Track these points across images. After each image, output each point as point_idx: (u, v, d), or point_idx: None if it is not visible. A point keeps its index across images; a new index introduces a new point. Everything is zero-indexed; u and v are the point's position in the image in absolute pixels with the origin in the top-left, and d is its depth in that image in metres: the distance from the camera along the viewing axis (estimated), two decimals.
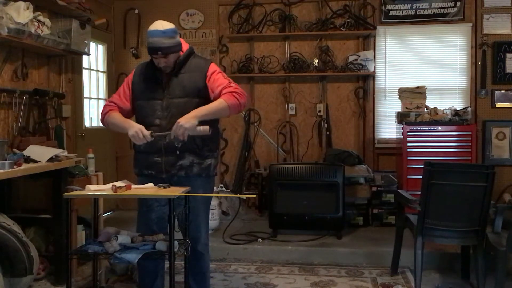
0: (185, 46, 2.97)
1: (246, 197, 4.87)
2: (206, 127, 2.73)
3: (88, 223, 3.86)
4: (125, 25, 5.99)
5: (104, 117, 3.00)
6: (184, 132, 2.69)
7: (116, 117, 2.94)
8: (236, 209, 5.21)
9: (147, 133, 2.76)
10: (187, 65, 2.95)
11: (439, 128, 4.93)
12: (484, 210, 3.37)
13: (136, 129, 2.77)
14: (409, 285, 3.71)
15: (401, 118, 5.18)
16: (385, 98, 5.68)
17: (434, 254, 4.08)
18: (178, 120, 2.71)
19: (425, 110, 5.18)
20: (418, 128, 4.95)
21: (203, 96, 2.90)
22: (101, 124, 5.53)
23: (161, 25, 2.81)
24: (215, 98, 2.87)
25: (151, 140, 2.79)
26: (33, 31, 3.81)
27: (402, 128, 5.04)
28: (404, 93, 5.31)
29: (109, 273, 3.92)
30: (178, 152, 2.88)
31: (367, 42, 5.66)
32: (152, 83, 2.94)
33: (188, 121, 2.71)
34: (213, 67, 2.97)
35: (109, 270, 3.92)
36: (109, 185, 2.71)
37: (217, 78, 2.91)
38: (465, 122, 4.97)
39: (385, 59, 5.65)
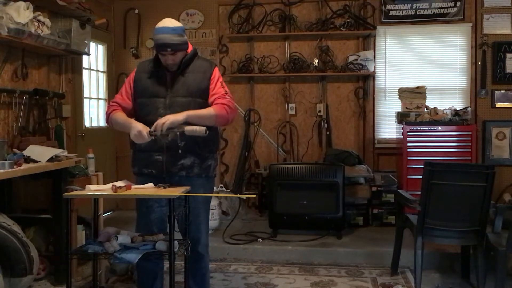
0: (190, 47, 2.99)
1: (246, 197, 4.89)
2: (203, 128, 2.74)
3: (88, 223, 3.85)
4: (125, 25, 5.99)
5: (108, 117, 3.02)
6: (165, 123, 2.70)
7: (120, 116, 2.95)
8: (236, 209, 5.21)
9: (145, 133, 2.76)
10: (192, 65, 2.96)
11: (439, 128, 4.93)
12: (484, 210, 3.38)
13: (136, 131, 2.78)
14: (409, 285, 3.71)
15: (401, 118, 5.18)
16: (385, 98, 5.68)
17: (434, 254, 4.09)
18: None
19: (425, 110, 5.18)
20: (418, 128, 4.95)
21: (206, 98, 2.93)
22: (101, 124, 5.64)
23: (170, 22, 2.84)
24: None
25: (151, 139, 2.80)
26: (33, 31, 3.81)
27: (402, 128, 5.04)
28: (404, 93, 5.31)
29: (109, 273, 3.92)
30: (180, 151, 2.88)
31: (367, 42, 5.66)
32: (155, 80, 2.95)
33: (176, 116, 2.74)
34: (216, 72, 3.00)
35: (109, 270, 3.92)
36: (109, 185, 2.71)
37: (215, 86, 2.94)
38: (465, 122, 4.97)
39: (385, 59, 5.65)
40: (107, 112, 3.05)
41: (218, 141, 3.20)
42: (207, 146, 2.95)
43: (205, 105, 2.91)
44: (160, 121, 2.73)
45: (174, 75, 2.93)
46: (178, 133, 2.80)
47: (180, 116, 2.76)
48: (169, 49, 2.81)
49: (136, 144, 2.96)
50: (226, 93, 2.95)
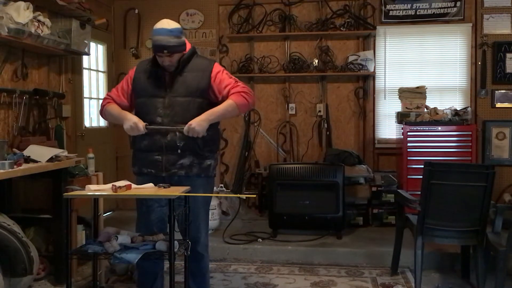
0: (188, 46, 2.98)
1: (246, 197, 4.88)
2: None
3: (88, 223, 3.86)
4: (125, 25, 5.99)
5: (102, 109, 3.06)
6: (198, 135, 2.77)
7: (114, 108, 2.99)
8: (236, 209, 5.21)
9: (141, 125, 2.78)
10: (190, 64, 2.96)
11: (439, 128, 4.92)
12: (484, 210, 3.38)
13: (131, 123, 2.81)
14: (409, 285, 3.71)
15: (401, 118, 5.18)
16: (385, 98, 5.68)
17: (434, 254, 4.08)
18: (190, 122, 2.77)
19: (425, 110, 5.18)
20: (418, 128, 4.95)
21: (206, 97, 2.92)
22: (101, 124, 5.63)
23: (167, 24, 2.84)
24: (223, 99, 2.90)
25: (146, 133, 2.83)
26: (33, 31, 3.81)
27: (402, 128, 5.04)
28: (404, 93, 5.31)
29: (109, 273, 3.92)
30: (179, 151, 2.89)
31: (367, 42, 5.66)
32: (154, 80, 2.95)
33: (200, 124, 2.77)
34: (217, 67, 2.99)
35: (109, 270, 3.92)
36: (109, 185, 2.71)
37: (223, 79, 2.94)
38: (465, 122, 4.97)
39: (385, 59, 5.65)
40: (102, 104, 3.08)
41: (218, 141, 3.20)
42: (206, 146, 2.95)
43: (205, 104, 2.90)
44: (191, 134, 2.77)
45: (172, 75, 2.93)
46: (177, 133, 2.81)
47: (205, 123, 2.79)
48: (165, 51, 2.81)
49: (136, 144, 2.97)
50: (236, 81, 2.95)
